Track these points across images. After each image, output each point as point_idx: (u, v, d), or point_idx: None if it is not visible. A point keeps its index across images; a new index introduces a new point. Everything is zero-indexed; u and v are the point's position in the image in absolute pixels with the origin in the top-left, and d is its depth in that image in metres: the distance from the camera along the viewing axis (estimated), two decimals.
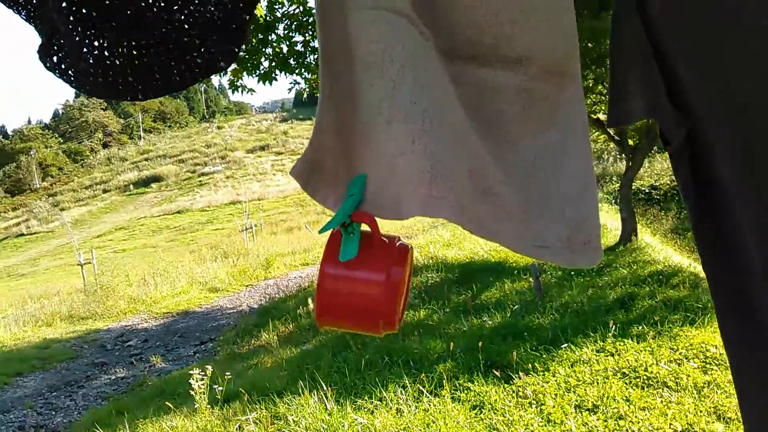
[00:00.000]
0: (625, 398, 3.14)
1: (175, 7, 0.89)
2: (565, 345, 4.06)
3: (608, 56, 0.89)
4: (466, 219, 0.83)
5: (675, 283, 5.36)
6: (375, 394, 3.73)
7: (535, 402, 3.28)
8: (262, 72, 6.53)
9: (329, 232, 0.83)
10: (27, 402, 5.91)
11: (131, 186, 46.95)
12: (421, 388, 3.66)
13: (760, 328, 0.77)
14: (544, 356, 3.97)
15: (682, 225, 13.14)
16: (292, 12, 6.60)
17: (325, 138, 0.85)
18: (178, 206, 35.76)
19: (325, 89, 0.84)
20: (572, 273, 6.60)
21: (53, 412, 5.59)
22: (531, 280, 5.98)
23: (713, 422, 2.72)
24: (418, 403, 3.50)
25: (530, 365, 3.78)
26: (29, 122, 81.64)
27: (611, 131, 8.64)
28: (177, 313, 10.00)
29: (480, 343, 4.20)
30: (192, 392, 4.08)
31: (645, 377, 3.38)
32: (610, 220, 10.36)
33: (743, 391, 0.80)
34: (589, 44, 6.44)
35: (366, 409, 3.54)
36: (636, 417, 2.89)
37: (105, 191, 47.81)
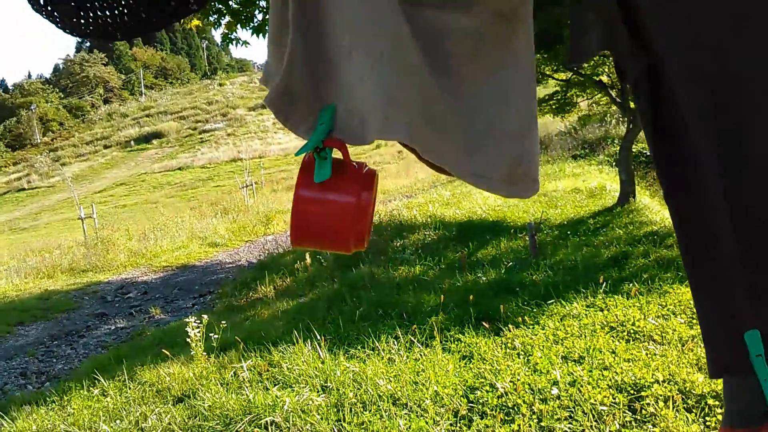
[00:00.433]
0: (610, 350, 3.20)
1: None
2: (556, 300, 4.12)
3: None
4: (416, 142, 0.89)
5: (669, 243, 5.40)
6: (368, 344, 3.80)
7: (523, 353, 3.35)
8: (256, 24, 6.45)
9: (302, 156, 0.89)
10: (29, 350, 6.03)
11: (132, 142, 46.83)
12: (412, 339, 3.73)
13: (711, 239, 0.84)
14: (535, 311, 4.04)
15: None
16: None
17: (295, 68, 0.89)
18: (179, 163, 35.74)
19: (295, 18, 0.88)
20: (568, 232, 6.65)
21: (54, 360, 5.70)
22: (527, 238, 6.02)
23: (694, 372, 2.78)
24: (409, 353, 3.57)
25: (520, 319, 3.84)
26: (29, 76, 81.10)
27: (613, 93, 8.58)
28: (176, 267, 10.10)
29: (472, 297, 4.26)
30: (188, 340, 4.16)
31: (632, 331, 3.44)
32: (609, 182, 10.36)
33: (697, 293, 0.92)
34: None
35: (358, 358, 3.62)
36: (620, 368, 2.95)
37: (106, 147, 47.71)
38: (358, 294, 5.38)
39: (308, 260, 6.94)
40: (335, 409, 2.97)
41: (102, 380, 4.05)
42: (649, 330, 3.41)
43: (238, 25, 6.43)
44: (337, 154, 0.89)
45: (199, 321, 4.28)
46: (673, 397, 2.61)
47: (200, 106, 53.09)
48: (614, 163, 12.13)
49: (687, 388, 2.68)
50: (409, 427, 2.71)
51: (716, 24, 0.80)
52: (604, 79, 8.93)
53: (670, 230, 5.97)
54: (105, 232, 12.73)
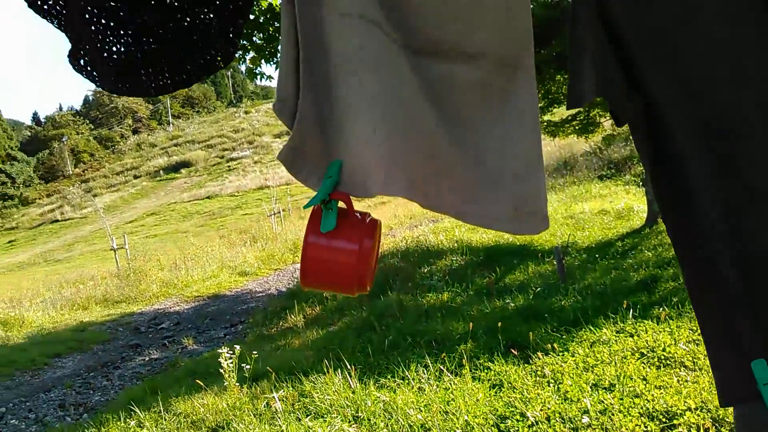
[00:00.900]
0: (641, 377, 3.19)
1: (179, 16, 1.00)
2: (585, 326, 4.11)
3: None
4: (417, 196, 0.98)
5: None
6: (398, 373, 3.83)
7: (552, 381, 3.35)
8: (279, 59, 6.61)
9: (311, 208, 0.96)
10: (66, 382, 6.16)
11: (161, 171, 47.61)
12: (442, 367, 3.75)
13: (715, 273, 0.89)
14: (564, 337, 4.03)
15: None
16: None
17: (305, 126, 0.97)
18: (207, 192, 36.20)
19: (306, 82, 0.96)
20: (596, 256, 6.62)
21: (91, 392, 5.82)
22: (555, 262, 6.01)
23: None
24: (439, 381, 3.60)
25: (549, 346, 3.84)
26: (60, 109, 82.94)
27: None
28: (208, 297, 10.23)
29: (500, 324, 4.27)
30: (221, 371, 4.23)
31: (663, 357, 3.42)
32: (636, 203, 10.28)
33: (702, 320, 0.95)
34: None
35: (388, 388, 3.65)
36: (651, 395, 2.94)
37: (136, 177, 48.58)
38: (386, 322, 5.41)
39: None
40: None
41: (138, 412, 4.14)
42: (680, 356, 3.39)
43: (262, 60, 6.59)
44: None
45: (231, 352, 4.35)
46: (705, 425, 2.59)
47: (227, 134, 53.86)
48: (641, 183, 12.02)
49: (720, 416, 2.66)
50: None
51: (705, 55, 0.84)
52: None
53: None
54: (137, 263, 12.95)
